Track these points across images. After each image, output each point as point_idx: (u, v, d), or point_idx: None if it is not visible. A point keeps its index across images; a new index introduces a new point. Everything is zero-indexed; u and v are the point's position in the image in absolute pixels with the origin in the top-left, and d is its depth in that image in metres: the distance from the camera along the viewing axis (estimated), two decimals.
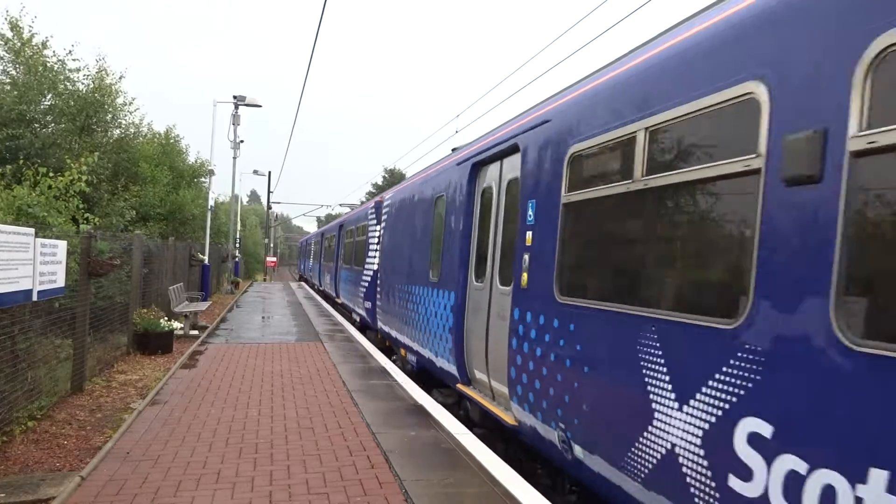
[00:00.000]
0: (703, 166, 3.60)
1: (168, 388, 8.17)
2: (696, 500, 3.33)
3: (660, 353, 3.74)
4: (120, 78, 17.82)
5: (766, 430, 2.92)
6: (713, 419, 3.26)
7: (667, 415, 3.62)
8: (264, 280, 48.79)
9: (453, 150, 9.71)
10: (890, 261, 2.56)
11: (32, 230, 6.18)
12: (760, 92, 3.19)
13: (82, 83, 16.57)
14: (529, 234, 5.72)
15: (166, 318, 12.01)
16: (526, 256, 5.73)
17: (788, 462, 2.77)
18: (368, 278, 14.31)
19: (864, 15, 2.63)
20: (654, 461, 3.72)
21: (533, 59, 15.49)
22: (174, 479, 4.98)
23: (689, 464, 3.41)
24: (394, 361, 11.06)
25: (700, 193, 3.73)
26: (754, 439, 2.98)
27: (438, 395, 8.64)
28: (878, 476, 2.35)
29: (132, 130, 20.02)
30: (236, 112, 27.41)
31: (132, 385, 8.67)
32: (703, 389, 3.35)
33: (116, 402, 7.73)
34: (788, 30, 3.10)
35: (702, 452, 3.32)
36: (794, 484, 2.72)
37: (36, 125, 15.42)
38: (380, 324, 12.84)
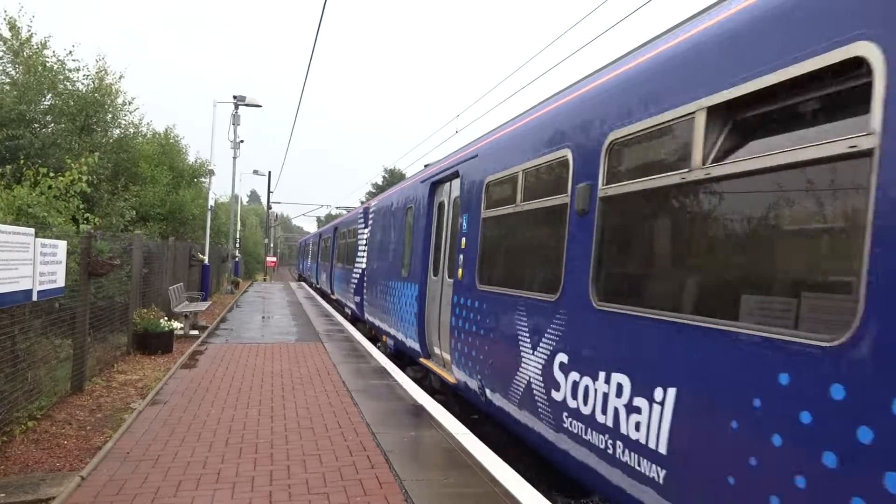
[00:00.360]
0: (544, 199, 5.58)
1: (168, 388, 8.17)
2: (540, 408, 5.28)
3: (525, 320, 5.67)
4: (119, 78, 17.83)
5: (565, 359, 4.89)
6: (545, 358, 5.21)
7: (526, 360, 5.57)
8: (264, 280, 48.77)
9: (425, 165, 11.44)
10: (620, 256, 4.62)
11: (32, 230, 6.17)
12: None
13: (82, 83, 16.58)
14: (463, 240, 7.60)
15: (166, 318, 12.01)
16: (461, 256, 7.65)
17: (573, 376, 4.74)
18: (357, 275, 16.24)
19: (604, 122, 4.67)
20: (521, 390, 5.65)
21: (533, 59, 15.50)
22: (174, 479, 4.98)
23: (537, 387, 5.33)
24: (378, 348, 12.65)
25: (538, 219, 5.85)
26: (561, 366, 4.94)
27: (410, 371, 10.39)
28: (608, 377, 4.29)
29: (132, 130, 20.02)
30: (236, 112, 27.45)
31: (132, 385, 8.67)
32: (542, 341, 5.29)
33: (116, 402, 7.73)
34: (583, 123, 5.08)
35: (541, 379, 5.27)
36: (575, 387, 4.71)
37: (36, 125, 15.42)
38: (366, 315, 14.72)
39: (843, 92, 2.83)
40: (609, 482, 4.18)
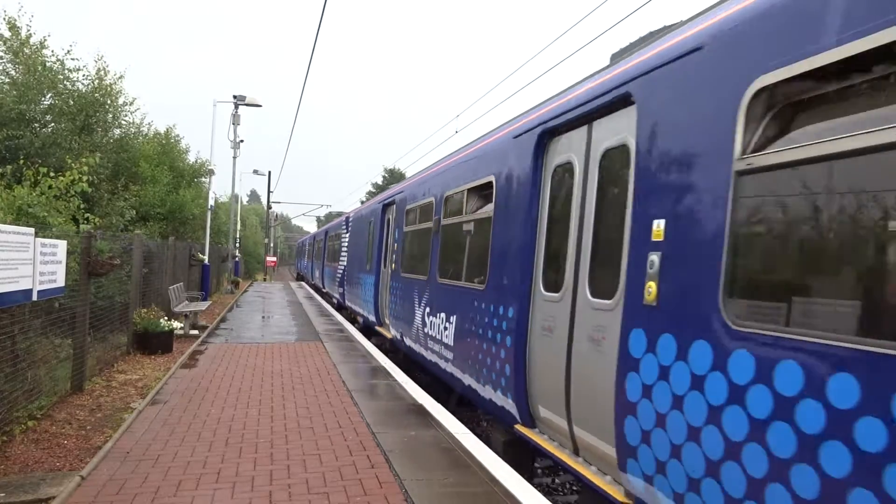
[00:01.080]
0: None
1: (168, 388, 8.17)
2: (420, 339, 9.19)
3: (417, 292, 9.56)
4: (119, 77, 17.81)
5: (429, 310, 8.88)
6: (423, 311, 9.14)
7: (415, 312, 9.51)
8: (264, 280, 48.75)
9: (368, 197, 19.52)
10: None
11: (32, 230, 6.17)
12: None
13: (82, 83, 16.57)
14: (395, 245, 11.68)
15: (166, 318, 12.01)
16: (394, 255, 11.65)
17: (430, 318, 8.83)
18: (341, 271, 20.57)
19: (444, 186, 8.96)
20: (416, 330, 9.47)
21: (533, 59, 15.50)
22: (174, 478, 4.98)
23: (419, 327, 9.25)
24: (352, 323, 16.89)
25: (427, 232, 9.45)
26: (426, 314, 8.98)
27: (376, 339, 13.81)
28: (445, 318, 8.12)
29: (132, 130, 20.00)
30: (236, 112, 27.43)
31: (132, 385, 8.67)
32: (422, 300, 9.21)
33: (116, 401, 7.72)
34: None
35: (421, 323, 9.20)
36: (436, 324, 8.49)
37: (36, 125, 15.40)
38: (347, 302, 18.92)
39: None
40: (437, 366, 8.43)
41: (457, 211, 8.19)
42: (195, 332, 14.21)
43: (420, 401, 7.84)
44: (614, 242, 4.42)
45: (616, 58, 5.28)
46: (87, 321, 8.24)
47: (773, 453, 2.81)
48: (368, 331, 14.92)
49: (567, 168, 5.34)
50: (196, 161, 25.94)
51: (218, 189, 40.07)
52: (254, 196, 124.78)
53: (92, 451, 5.76)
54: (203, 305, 16.49)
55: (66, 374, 7.71)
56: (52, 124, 15.82)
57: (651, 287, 3.83)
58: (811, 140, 2.80)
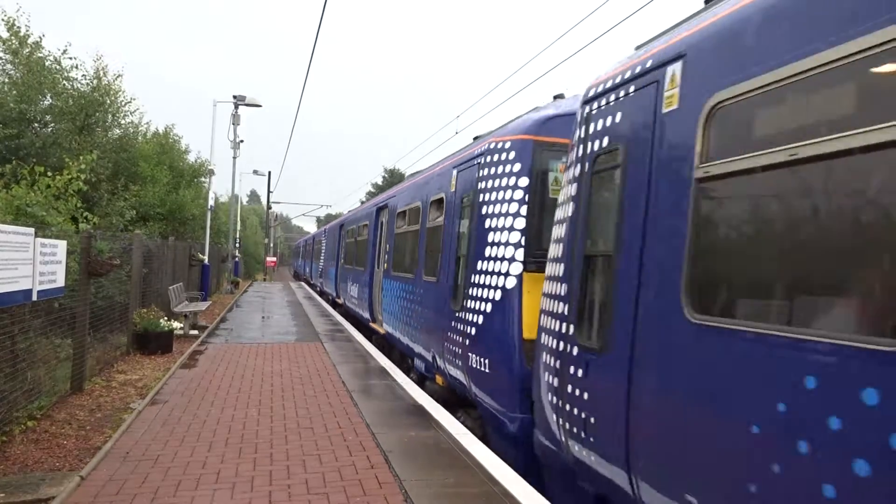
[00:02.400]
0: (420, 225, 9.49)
1: (168, 388, 8.17)
2: (402, 326, 10.42)
3: (400, 288, 10.86)
4: (117, 77, 17.82)
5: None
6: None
7: (400, 305, 10.66)
8: (264, 280, 48.77)
9: (368, 197, 22.59)
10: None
11: (32, 230, 6.18)
12: None
13: (80, 83, 16.58)
14: (386, 245, 12.82)
15: (166, 318, 12.01)
16: (385, 255, 12.77)
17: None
18: (335, 269, 23.08)
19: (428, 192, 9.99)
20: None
21: (533, 59, 15.51)
22: (174, 478, 4.98)
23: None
24: (340, 313, 19.63)
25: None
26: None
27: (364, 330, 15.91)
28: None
29: (132, 130, 19.99)
30: (236, 112, 27.41)
31: (132, 385, 8.67)
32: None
33: (116, 401, 7.73)
34: None
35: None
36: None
37: (36, 125, 15.41)
38: (341, 296, 20.87)
39: None
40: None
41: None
42: (195, 332, 14.21)
43: (420, 401, 7.84)
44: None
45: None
46: (87, 321, 8.25)
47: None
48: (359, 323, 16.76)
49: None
50: (196, 161, 25.95)
51: (218, 189, 40.00)
52: (254, 196, 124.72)
53: (92, 451, 5.76)
54: (203, 305, 16.49)
55: (65, 375, 7.71)
56: (53, 124, 15.83)
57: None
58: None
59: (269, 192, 54.26)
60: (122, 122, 19.03)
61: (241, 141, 28.63)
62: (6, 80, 15.22)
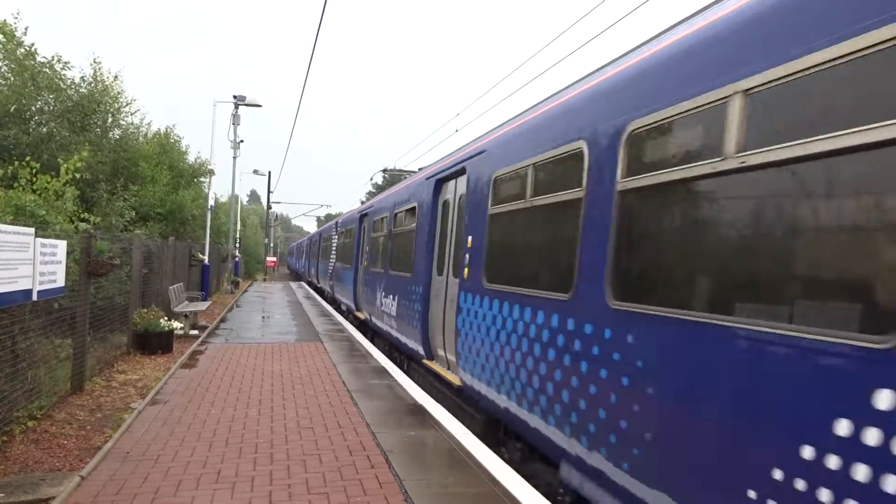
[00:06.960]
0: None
1: (168, 388, 8.17)
2: (385, 317, 11.97)
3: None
4: (115, 77, 17.80)
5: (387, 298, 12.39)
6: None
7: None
8: (264, 280, 48.75)
9: (368, 197, 27.20)
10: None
11: (32, 230, 6.17)
12: None
13: (76, 83, 16.57)
14: (366, 247, 15.11)
15: (166, 318, 12.00)
16: (366, 254, 14.99)
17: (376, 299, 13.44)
18: (331, 267, 24.37)
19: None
20: (384, 313, 12.47)
21: (533, 58, 15.51)
22: (174, 478, 4.98)
23: (394, 321, 11.63)
24: (334, 307, 21.70)
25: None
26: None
27: (354, 319, 17.31)
28: (391, 298, 12.04)
29: (132, 130, 19.97)
30: (236, 112, 27.39)
31: (132, 385, 8.67)
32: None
33: (116, 401, 7.72)
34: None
35: (393, 310, 11.72)
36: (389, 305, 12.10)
37: (32, 124, 15.39)
38: (335, 292, 22.50)
39: None
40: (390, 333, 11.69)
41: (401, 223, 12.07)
42: (195, 332, 14.21)
43: (420, 401, 7.84)
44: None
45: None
46: (87, 321, 8.24)
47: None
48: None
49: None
50: (196, 161, 25.92)
51: (218, 189, 40.07)
52: (254, 196, 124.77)
53: (92, 451, 5.76)
54: (203, 305, 16.49)
55: (66, 375, 7.71)
56: (49, 124, 15.80)
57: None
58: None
59: (269, 192, 54.26)
60: (122, 122, 19.02)
61: (242, 141, 28.61)
62: (2, 81, 15.21)
